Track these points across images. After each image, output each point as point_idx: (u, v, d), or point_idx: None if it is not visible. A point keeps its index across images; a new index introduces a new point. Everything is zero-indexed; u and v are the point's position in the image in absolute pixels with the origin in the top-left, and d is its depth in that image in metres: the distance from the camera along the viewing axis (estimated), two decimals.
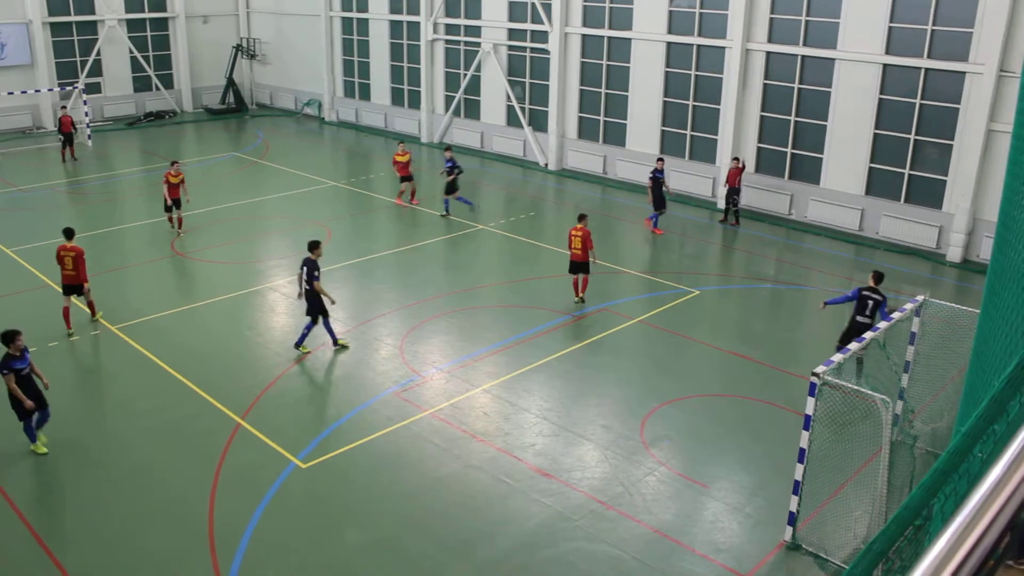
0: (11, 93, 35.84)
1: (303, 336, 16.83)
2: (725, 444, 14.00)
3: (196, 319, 18.77)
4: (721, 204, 26.07)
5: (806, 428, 10.82)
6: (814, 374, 10.62)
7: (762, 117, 25.80)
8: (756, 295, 20.25)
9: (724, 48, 26.16)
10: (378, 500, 12.48)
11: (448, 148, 26.75)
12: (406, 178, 26.98)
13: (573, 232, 19.06)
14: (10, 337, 13.07)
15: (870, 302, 14.78)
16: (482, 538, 11.66)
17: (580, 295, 19.30)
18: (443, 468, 13.21)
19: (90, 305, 18.18)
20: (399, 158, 26.83)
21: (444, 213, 25.75)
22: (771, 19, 25.08)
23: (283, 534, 11.75)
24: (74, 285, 17.65)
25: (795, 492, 11.16)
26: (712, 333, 17.79)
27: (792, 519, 11.31)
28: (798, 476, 11.08)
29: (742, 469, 13.41)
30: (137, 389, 15.74)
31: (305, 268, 16.50)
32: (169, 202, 24.06)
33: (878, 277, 15.03)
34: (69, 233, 18.04)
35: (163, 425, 14.53)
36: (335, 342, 17.02)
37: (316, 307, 16.67)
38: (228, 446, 13.79)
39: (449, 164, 25.30)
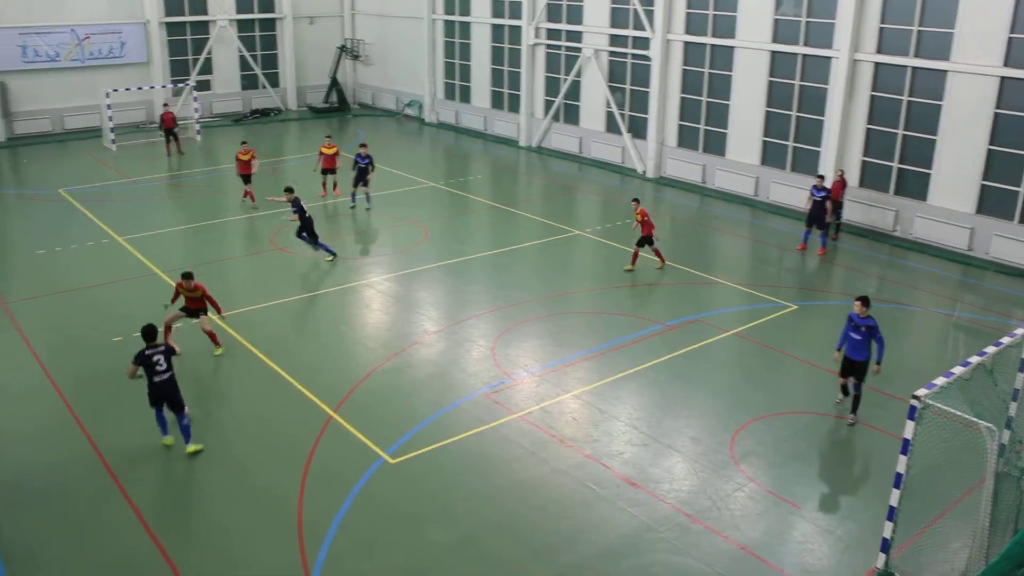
0: (128, 89, 37.27)
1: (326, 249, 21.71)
2: (817, 464, 13.70)
3: (293, 312, 19.23)
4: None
5: (904, 452, 10.49)
6: (915, 397, 10.29)
7: (868, 129, 25.13)
8: None
9: (830, 58, 25.57)
10: (463, 500, 12.59)
11: (363, 145, 27.04)
12: (331, 171, 27.76)
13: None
14: (152, 333, 13.46)
15: (863, 329, 14.22)
16: (565, 544, 11.65)
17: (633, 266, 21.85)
18: (529, 471, 13.25)
19: (211, 335, 17.06)
20: (326, 150, 27.60)
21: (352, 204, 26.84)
22: (881, 29, 24.41)
23: (369, 528, 11.96)
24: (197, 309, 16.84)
25: (890, 518, 10.83)
26: (808, 349, 17.40)
27: (885, 546, 10.98)
28: (894, 502, 10.75)
29: (834, 490, 13.10)
30: (234, 377, 16.25)
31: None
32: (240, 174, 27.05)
33: (865, 301, 14.30)
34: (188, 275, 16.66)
35: (258, 414, 14.95)
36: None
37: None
38: (320, 438, 14.09)
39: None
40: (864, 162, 25.37)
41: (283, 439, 14.14)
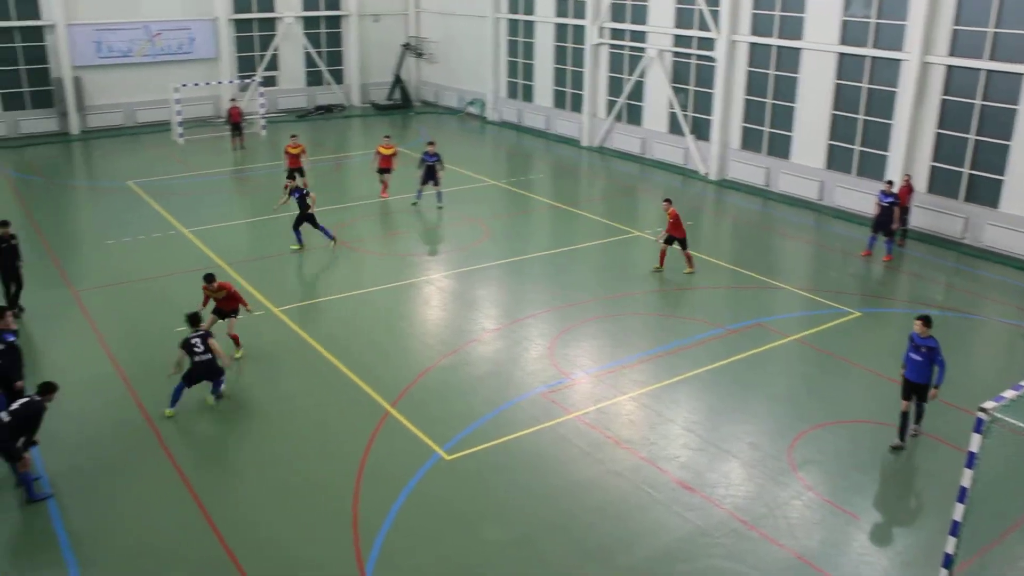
0: (196, 84, 38.07)
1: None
2: (878, 474, 13.44)
3: (353, 306, 19.44)
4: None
5: (969, 466, 10.24)
6: (982, 409, 10.04)
7: (938, 134, 24.58)
8: None
9: (900, 61, 25.07)
10: (518, 499, 12.62)
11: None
12: (387, 171, 27.56)
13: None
14: (196, 320, 15.06)
15: (924, 350, 13.54)
16: (620, 546, 11.62)
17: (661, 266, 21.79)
18: (585, 472, 13.24)
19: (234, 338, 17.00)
20: (383, 150, 27.41)
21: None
22: (954, 31, 23.85)
23: (423, 523, 12.05)
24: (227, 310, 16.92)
25: (953, 533, 10.58)
26: (870, 357, 17.09)
27: (948, 561, 10.73)
28: (957, 516, 10.49)
29: (895, 503, 12.87)
30: (292, 370, 16.47)
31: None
32: (288, 169, 27.27)
33: (926, 321, 13.53)
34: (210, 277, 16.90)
35: (315, 407, 15.16)
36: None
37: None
38: (376, 432, 14.23)
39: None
40: (933, 167, 24.82)
41: (340, 433, 14.32)
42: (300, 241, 22.98)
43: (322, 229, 23.03)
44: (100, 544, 11.60)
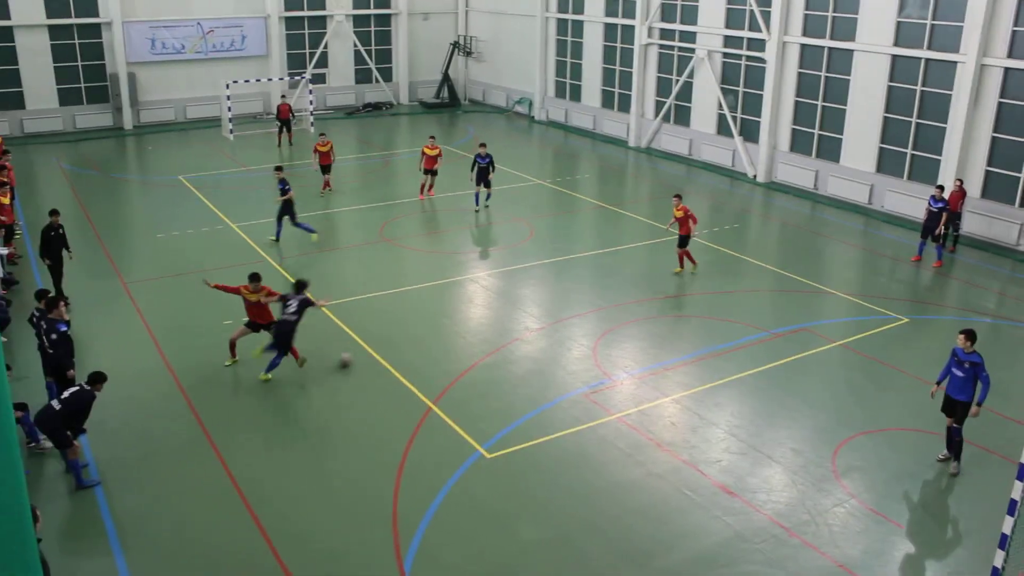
0: (247, 81, 38.56)
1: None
2: (923, 483, 13.21)
3: (397, 303, 19.54)
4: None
5: (1020, 478, 10.02)
6: None
7: (994, 138, 24.10)
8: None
9: (956, 63, 24.62)
10: (557, 499, 12.60)
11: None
12: (431, 171, 27.38)
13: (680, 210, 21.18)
14: (304, 285, 16.25)
15: (967, 365, 13.03)
16: (659, 548, 11.56)
17: (682, 269, 21.55)
18: (625, 474, 13.18)
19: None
20: (428, 151, 27.24)
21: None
22: (1013, 32, 23.36)
23: (462, 520, 12.08)
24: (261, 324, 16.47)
25: (1001, 546, 10.35)
26: (919, 364, 16.80)
27: (995, 575, 10.53)
28: (1006, 529, 10.26)
29: (941, 513, 12.63)
30: (336, 366, 16.56)
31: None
32: (316, 167, 28.17)
33: (970, 335, 13.06)
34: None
35: (358, 402, 15.26)
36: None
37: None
38: (417, 429, 14.29)
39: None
40: (987, 172, 24.36)
41: (382, 429, 14.41)
42: (278, 235, 23.27)
43: (302, 225, 23.14)
44: (144, 532, 11.79)
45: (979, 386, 12.93)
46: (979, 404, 12.95)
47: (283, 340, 15.55)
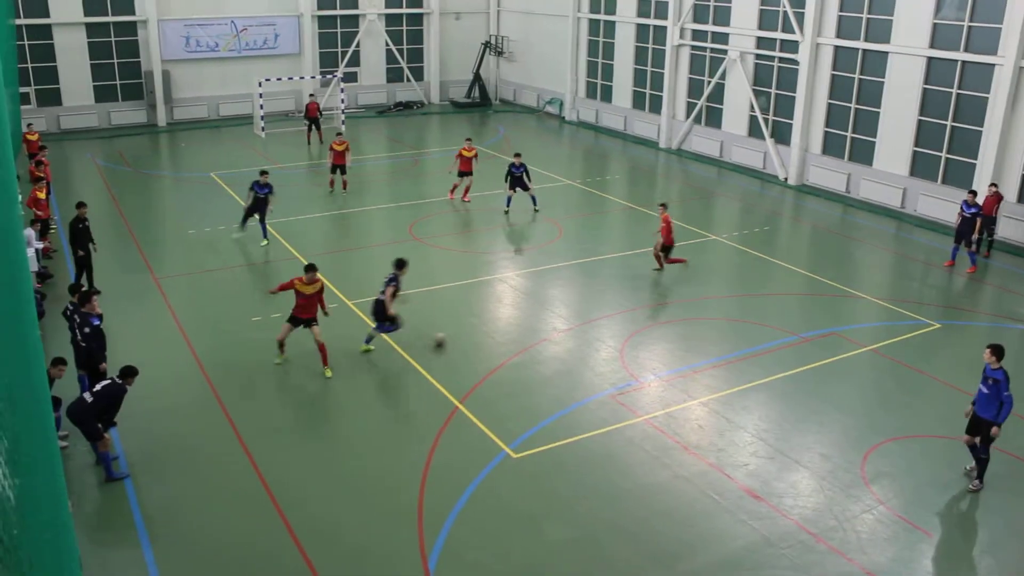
0: (279, 79, 38.83)
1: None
2: (954, 491, 13.04)
3: (425, 302, 19.58)
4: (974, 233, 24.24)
5: None
6: None
7: None
8: (1005, 335, 18.69)
9: (993, 65, 24.30)
10: (582, 499, 12.58)
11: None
12: (467, 173, 27.06)
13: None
14: (402, 264, 16.93)
15: (991, 382, 12.62)
16: (684, 551, 11.51)
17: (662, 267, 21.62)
18: (651, 476, 13.13)
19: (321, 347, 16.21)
20: (465, 152, 26.97)
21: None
22: None
23: (487, 520, 12.09)
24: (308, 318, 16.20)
25: None
26: (950, 371, 16.61)
27: None
28: None
29: (971, 521, 12.47)
30: (364, 363, 16.66)
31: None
32: (331, 164, 27.80)
33: (995, 350, 12.68)
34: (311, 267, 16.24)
35: (385, 400, 15.34)
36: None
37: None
38: (444, 428, 14.32)
39: (520, 170, 25.09)
40: None
41: (409, 427, 14.46)
42: (264, 234, 23.26)
43: (263, 226, 23.21)
44: (172, 524, 11.91)
45: (1001, 405, 12.50)
46: (999, 424, 12.53)
47: (379, 315, 16.56)
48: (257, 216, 23.08)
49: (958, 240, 22.31)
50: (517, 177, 25.91)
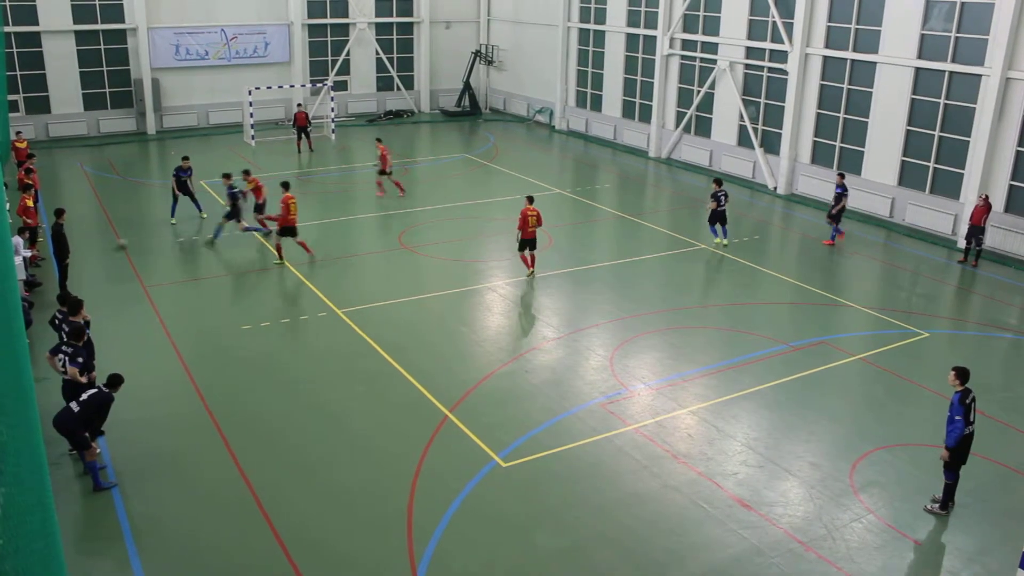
0: (269, 87, 38.80)
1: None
2: None
3: (415, 311, 19.56)
4: (962, 243, 24.38)
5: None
6: None
7: (1018, 152, 23.91)
8: (993, 344, 18.80)
9: (980, 76, 24.46)
10: (572, 508, 12.56)
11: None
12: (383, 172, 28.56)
13: (530, 212, 21.22)
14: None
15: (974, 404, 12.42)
16: (673, 560, 11.50)
17: (533, 268, 21.77)
18: (640, 485, 13.13)
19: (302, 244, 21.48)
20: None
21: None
22: None
23: (477, 529, 12.07)
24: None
25: (1022, 565, 10.26)
26: (939, 380, 16.63)
27: None
28: None
29: (960, 530, 12.49)
30: (353, 372, 16.62)
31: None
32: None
33: (958, 373, 12.35)
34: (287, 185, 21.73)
35: (375, 409, 15.27)
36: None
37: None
38: (434, 436, 14.29)
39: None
40: (1011, 186, 24.17)
41: (398, 436, 14.42)
42: (263, 232, 24.15)
43: (218, 229, 23.90)
44: (160, 534, 11.84)
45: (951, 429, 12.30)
46: (947, 448, 12.31)
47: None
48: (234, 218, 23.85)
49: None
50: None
